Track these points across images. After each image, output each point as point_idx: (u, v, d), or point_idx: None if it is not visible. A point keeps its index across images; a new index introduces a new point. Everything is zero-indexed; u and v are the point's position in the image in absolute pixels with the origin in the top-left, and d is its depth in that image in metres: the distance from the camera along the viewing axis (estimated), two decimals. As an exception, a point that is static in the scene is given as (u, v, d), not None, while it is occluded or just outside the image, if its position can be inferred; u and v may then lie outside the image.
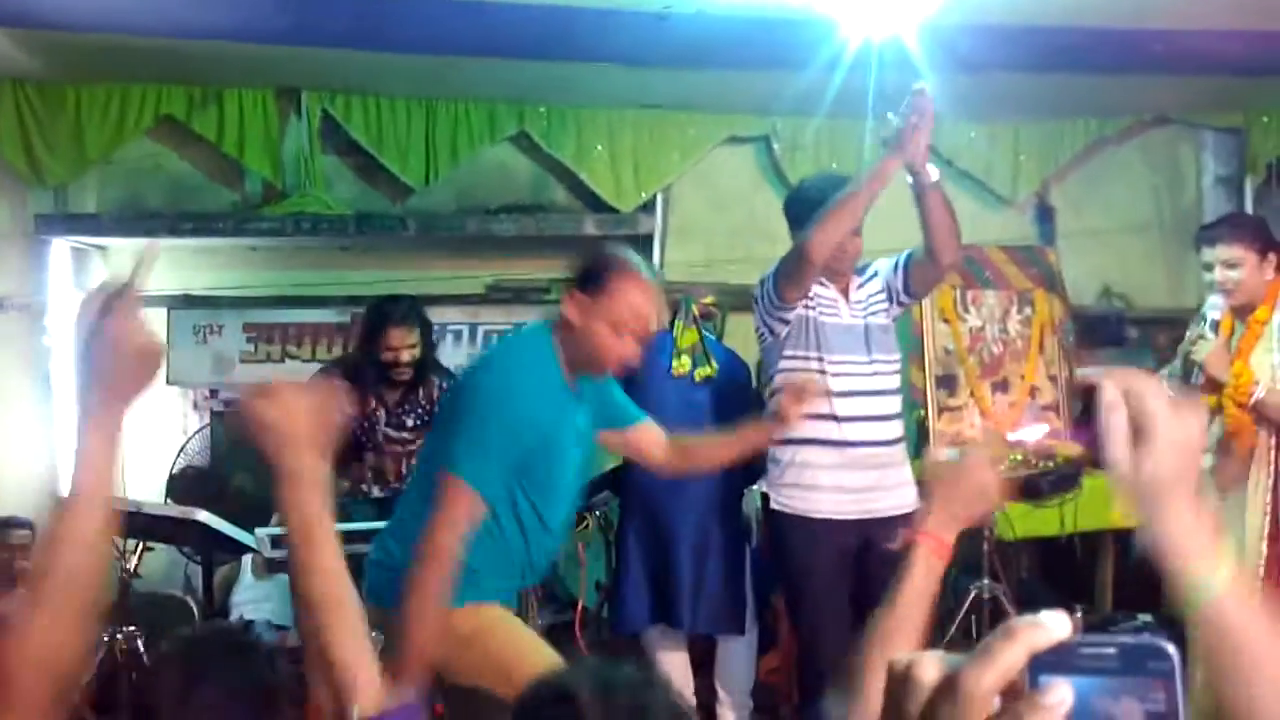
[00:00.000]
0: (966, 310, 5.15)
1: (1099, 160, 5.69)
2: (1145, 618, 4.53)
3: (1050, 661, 0.44)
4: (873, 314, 3.20)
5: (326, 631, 1.27)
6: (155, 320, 5.16)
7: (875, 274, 3.25)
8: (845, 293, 3.19)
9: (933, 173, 2.95)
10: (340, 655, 1.25)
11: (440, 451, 2.37)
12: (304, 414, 1.32)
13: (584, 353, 2.39)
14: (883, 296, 3.23)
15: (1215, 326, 3.25)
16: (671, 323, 3.90)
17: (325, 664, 1.25)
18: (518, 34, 4.04)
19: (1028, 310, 5.26)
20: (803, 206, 3.12)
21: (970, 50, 3.79)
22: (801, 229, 3.04)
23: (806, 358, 3.14)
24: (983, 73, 4.20)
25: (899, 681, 0.46)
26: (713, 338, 4.03)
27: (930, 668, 0.45)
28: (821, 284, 3.14)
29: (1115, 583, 4.96)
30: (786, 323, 3.15)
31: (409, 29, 4.02)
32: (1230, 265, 3.17)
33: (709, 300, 4.21)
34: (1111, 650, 0.44)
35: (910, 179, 2.96)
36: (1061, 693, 0.43)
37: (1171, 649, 0.45)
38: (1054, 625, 0.44)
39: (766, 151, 5.40)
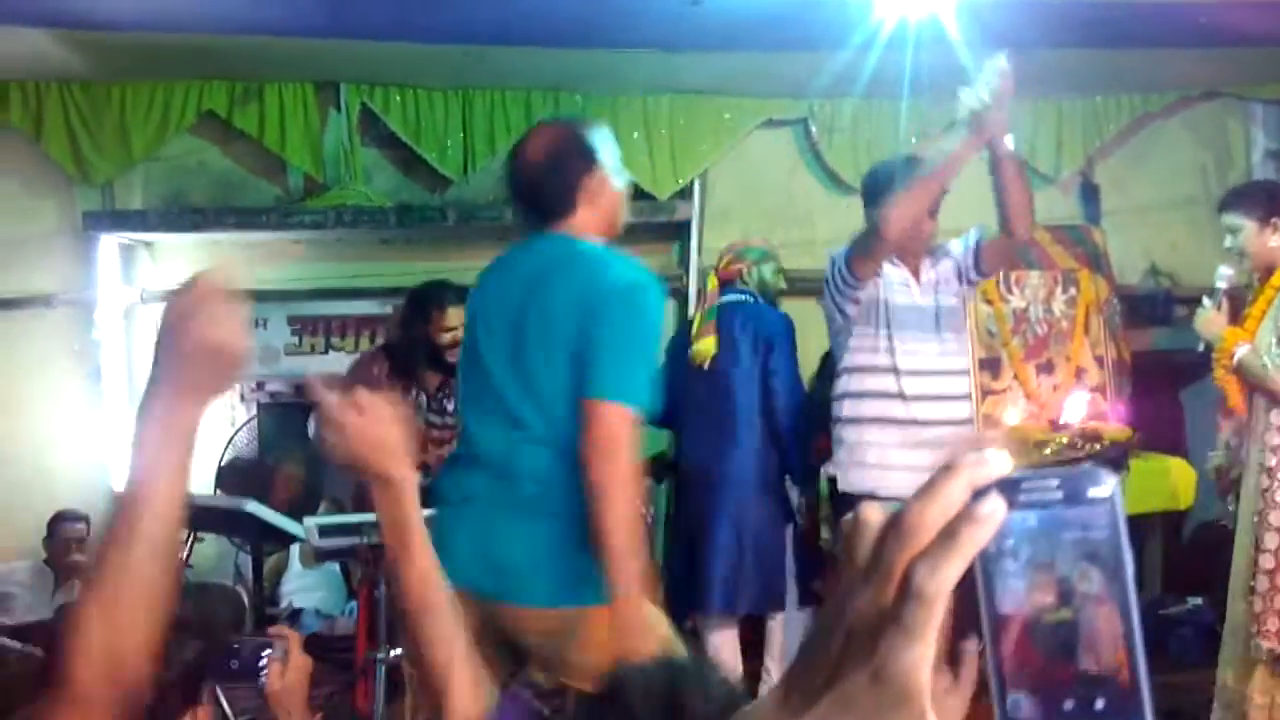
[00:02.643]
0: (1010, 291, 5.09)
1: (1144, 136, 5.59)
2: (1196, 600, 4.47)
3: (989, 495, 0.44)
4: (942, 294, 3.19)
5: (421, 633, 1.28)
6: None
7: (948, 254, 3.24)
8: (916, 273, 3.18)
9: (1009, 142, 2.92)
10: (435, 657, 1.26)
11: (593, 379, 2.04)
12: (393, 423, 1.32)
13: None
14: (953, 276, 3.22)
15: (1217, 294, 3.30)
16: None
17: (421, 666, 1.27)
18: (552, 22, 4.05)
19: (1072, 290, 5.19)
20: (879, 185, 3.10)
21: (1008, 27, 3.73)
22: (875, 207, 3.02)
23: (876, 336, 3.14)
24: (1022, 50, 4.13)
25: (850, 528, 0.47)
26: (741, 296, 3.92)
27: (875, 509, 0.47)
28: (892, 263, 3.14)
29: (1164, 565, 4.89)
30: (857, 302, 3.14)
31: (445, 20, 4.04)
32: (1231, 232, 3.22)
33: (725, 261, 4.00)
34: (1053, 483, 0.44)
35: (985, 150, 2.94)
36: (994, 504, 0.44)
37: (1110, 475, 0.45)
38: (995, 460, 0.45)
39: (804, 134, 5.36)
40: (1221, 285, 3.29)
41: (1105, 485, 0.44)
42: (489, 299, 2.29)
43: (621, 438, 2.02)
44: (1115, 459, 4.29)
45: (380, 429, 1.31)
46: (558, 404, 2.11)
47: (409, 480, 1.32)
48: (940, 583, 0.43)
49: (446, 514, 2.19)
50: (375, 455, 1.31)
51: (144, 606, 1.08)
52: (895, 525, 0.45)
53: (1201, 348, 3.33)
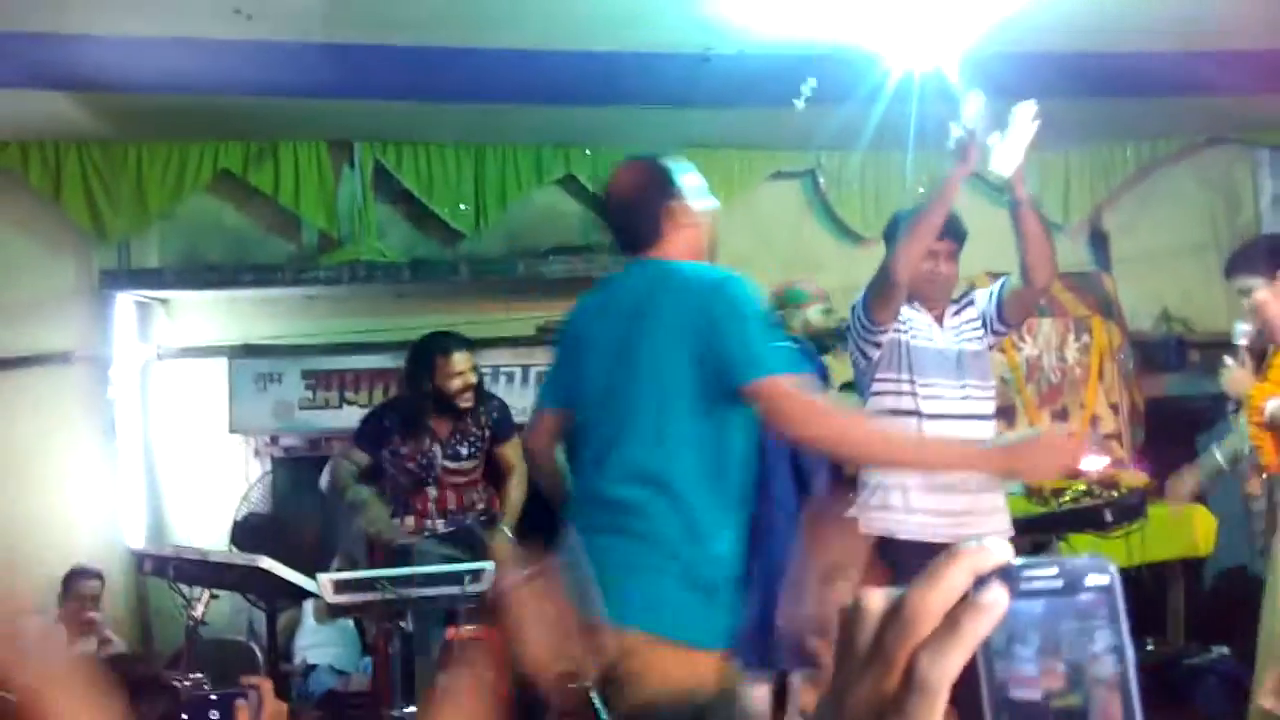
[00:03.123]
0: (1023, 339, 5.09)
1: (1152, 183, 5.62)
2: (1221, 649, 4.40)
3: (991, 584, 0.45)
4: (966, 340, 3.20)
5: None
6: (217, 371, 5.25)
7: (972, 302, 3.25)
8: (940, 319, 3.19)
9: (1027, 189, 2.95)
10: None
11: (722, 373, 2.05)
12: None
13: None
14: (978, 323, 3.23)
15: (1239, 352, 3.30)
16: None
17: None
18: (563, 80, 4.11)
19: (1085, 337, 5.19)
20: (894, 231, 3.13)
21: (1013, 79, 3.77)
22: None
23: (898, 379, 3.13)
24: (1026, 101, 4.18)
25: (849, 616, 0.47)
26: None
27: (878, 597, 0.46)
28: (915, 309, 3.15)
29: (1187, 613, 4.83)
30: (878, 346, 3.14)
31: (456, 79, 4.11)
32: (1243, 293, 3.23)
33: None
34: (1053, 571, 0.45)
35: (1008, 197, 2.97)
36: (997, 594, 0.44)
37: (1110, 564, 0.46)
38: (996, 548, 0.45)
39: (812, 185, 5.41)
40: (1242, 342, 3.29)
41: (1105, 574, 0.45)
42: (591, 327, 2.32)
43: (800, 400, 2.03)
44: (1133, 506, 4.25)
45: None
46: (672, 424, 2.12)
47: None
48: (944, 673, 0.43)
49: (579, 549, 2.22)
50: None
51: None
52: (896, 613, 0.44)
53: (1232, 408, 3.33)
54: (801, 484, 3.75)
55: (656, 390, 2.13)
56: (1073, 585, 0.44)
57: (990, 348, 3.27)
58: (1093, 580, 0.45)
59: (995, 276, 3.33)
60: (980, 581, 0.44)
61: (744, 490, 2.17)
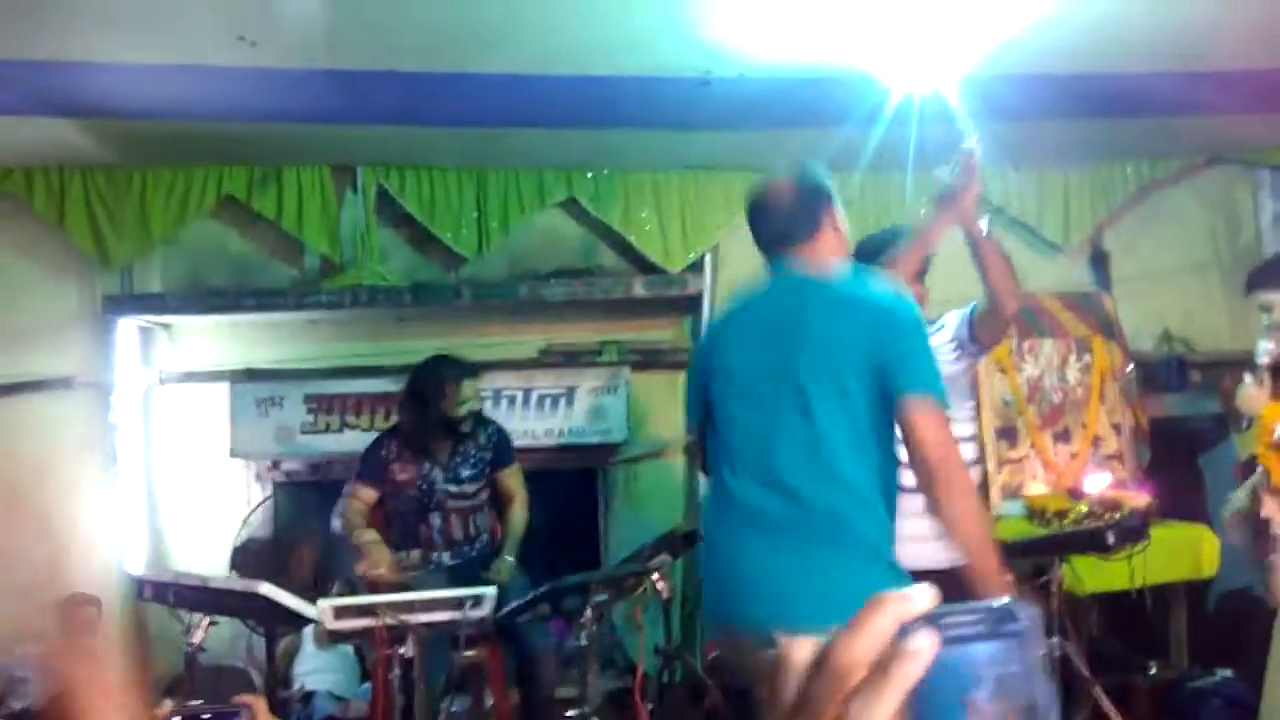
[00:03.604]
0: (1024, 360, 5.09)
1: (1152, 203, 5.63)
2: (1225, 672, 4.38)
3: (914, 631, 0.45)
4: (942, 363, 3.20)
5: None
6: (219, 396, 5.25)
7: (943, 326, 3.25)
8: None
9: (983, 225, 2.95)
10: None
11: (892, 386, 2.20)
12: None
13: None
14: (952, 347, 3.23)
15: (1258, 370, 3.27)
16: None
17: None
18: (564, 105, 4.13)
19: (1087, 358, 5.18)
20: (864, 258, 3.13)
21: (1013, 101, 3.80)
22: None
23: None
24: (1026, 122, 4.20)
25: (775, 668, 0.47)
26: None
27: (803, 647, 0.46)
28: None
29: (1190, 636, 4.80)
30: None
31: (458, 104, 4.13)
32: (1265, 309, 3.21)
33: None
34: (972, 618, 0.46)
35: (963, 233, 2.96)
36: (925, 639, 0.44)
37: (1024, 611, 0.46)
38: (918, 596, 0.46)
39: (813, 208, 5.41)
40: (1264, 360, 3.26)
41: (1022, 620, 0.46)
42: (745, 340, 2.38)
43: (944, 426, 2.21)
44: (1135, 527, 4.23)
45: None
46: (847, 427, 2.23)
47: None
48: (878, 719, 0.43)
49: (721, 556, 2.27)
50: None
51: None
52: (823, 663, 0.45)
53: (1245, 425, 3.32)
54: None
55: (835, 401, 2.23)
56: (993, 631, 0.45)
57: (964, 370, 3.26)
58: (1010, 627, 0.45)
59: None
60: (904, 628, 0.45)
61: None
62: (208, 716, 1.48)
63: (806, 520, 2.20)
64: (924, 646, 0.44)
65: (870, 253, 3.13)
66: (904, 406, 2.20)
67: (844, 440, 2.23)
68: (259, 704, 1.46)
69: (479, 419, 4.11)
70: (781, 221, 2.45)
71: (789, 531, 2.20)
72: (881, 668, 0.44)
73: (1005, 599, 0.46)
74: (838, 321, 2.28)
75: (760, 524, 2.23)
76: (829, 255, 2.43)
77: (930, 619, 0.45)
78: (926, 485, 2.19)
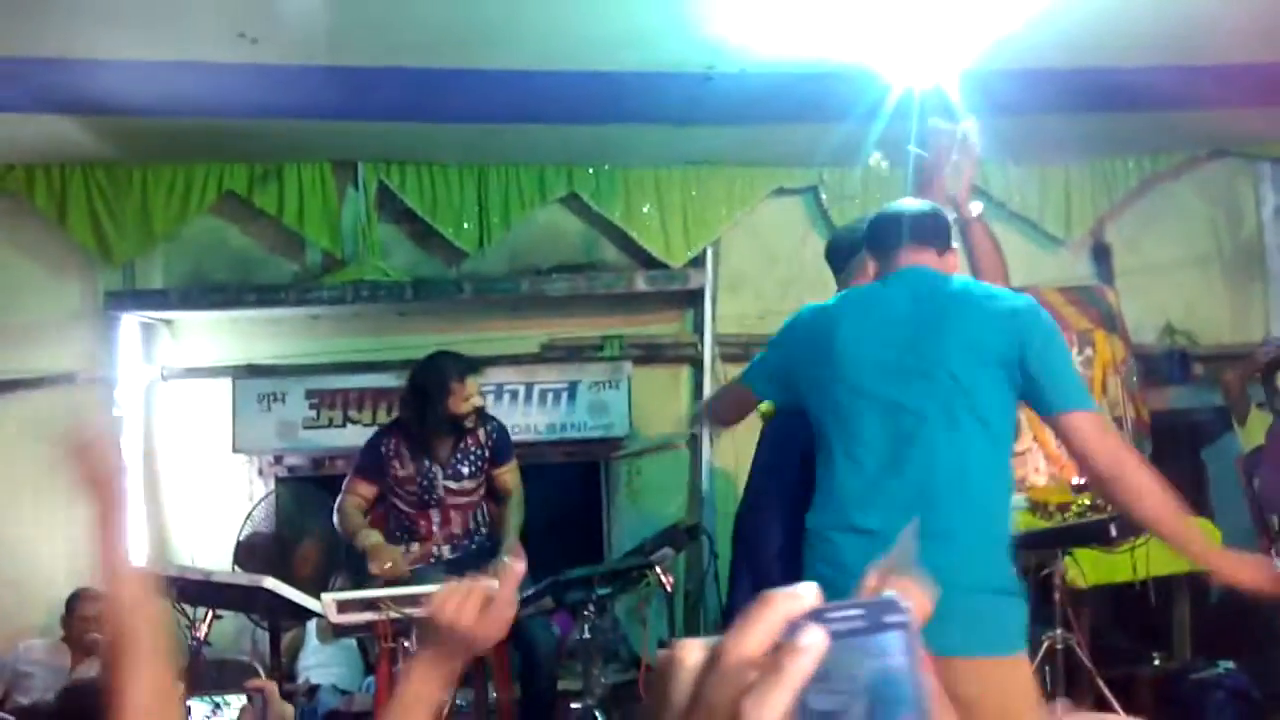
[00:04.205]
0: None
1: (1154, 196, 5.62)
2: (1227, 664, 4.38)
3: (801, 627, 0.46)
4: None
5: None
6: (221, 391, 5.27)
7: None
8: None
9: (975, 207, 2.94)
10: None
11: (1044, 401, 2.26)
12: (483, 621, 1.34)
13: None
14: None
15: None
16: None
17: None
18: (565, 100, 4.13)
19: (1088, 351, 5.18)
20: (840, 253, 3.13)
21: (1014, 96, 3.80)
22: (842, 274, 3.06)
23: None
24: (1027, 116, 4.19)
25: (664, 670, 0.47)
26: None
27: (693, 649, 0.47)
28: None
29: (1193, 628, 4.81)
30: None
31: (459, 100, 4.13)
32: None
33: None
34: (856, 611, 0.47)
35: (953, 214, 2.96)
36: (815, 635, 0.45)
37: (905, 602, 0.48)
38: (804, 593, 0.47)
39: (814, 202, 5.42)
40: None
41: (899, 614, 0.47)
42: (864, 335, 2.37)
43: (1108, 432, 2.28)
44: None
45: (471, 625, 1.33)
46: (985, 424, 2.26)
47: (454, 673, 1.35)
48: (772, 716, 0.44)
49: (841, 576, 2.26)
50: (456, 649, 1.34)
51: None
52: (713, 663, 0.45)
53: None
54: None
55: (964, 408, 2.25)
56: (874, 625, 0.47)
57: None
58: (891, 619, 0.47)
59: None
60: (792, 625, 0.46)
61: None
62: (230, 696, 1.50)
63: (946, 528, 2.14)
64: (814, 642, 0.45)
65: (844, 247, 3.12)
66: (1068, 422, 2.24)
67: (984, 444, 2.27)
68: (270, 687, 1.48)
69: (481, 416, 4.11)
70: (922, 225, 2.46)
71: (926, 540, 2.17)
72: (775, 664, 0.44)
73: (887, 593, 0.48)
74: (987, 326, 2.30)
75: (885, 521, 2.19)
76: (953, 267, 2.50)
77: (815, 614, 0.46)
78: (1110, 493, 2.25)
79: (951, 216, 2.95)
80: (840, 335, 2.39)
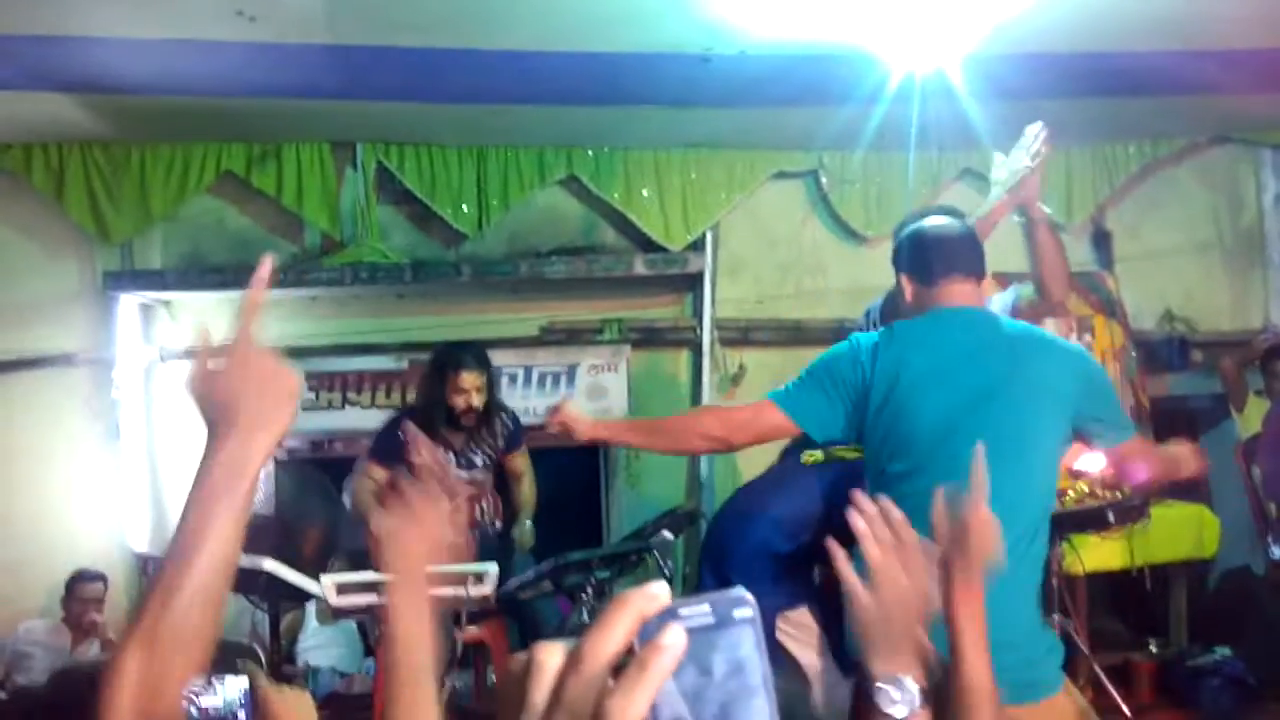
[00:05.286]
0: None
1: (1155, 182, 5.61)
2: (1224, 650, 4.40)
3: (657, 626, 0.48)
4: None
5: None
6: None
7: None
8: None
9: (1043, 208, 2.94)
10: None
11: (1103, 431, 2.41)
12: (414, 545, 1.30)
13: None
14: None
15: None
16: None
17: None
18: (564, 81, 4.11)
19: (1088, 337, 5.18)
20: (916, 249, 3.06)
21: (1015, 80, 3.78)
22: (909, 270, 2.93)
23: None
24: (1028, 101, 4.18)
25: (521, 674, 0.48)
26: None
27: (552, 651, 0.48)
28: None
29: (1190, 614, 4.82)
30: None
31: (458, 80, 4.11)
32: None
33: None
34: (705, 607, 0.49)
35: (1019, 216, 2.94)
36: (675, 634, 0.47)
37: (748, 595, 0.50)
38: (657, 591, 0.48)
39: (814, 186, 5.40)
40: None
41: (747, 607, 0.49)
42: (943, 375, 2.34)
43: (1144, 447, 2.54)
44: (1136, 507, 4.24)
45: (414, 551, 1.29)
46: (1046, 466, 2.35)
47: (406, 620, 1.28)
48: (636, 713, 0.45)
49: None
50: (398, 577, 1.28)
51: (187, 652, 1.06)
52: (574, 664, 0.46)
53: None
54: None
55: (1036, 447, 2.31)
56: (722, 620, 0.49)
57: None
58: (740, 613, 0.49)
59: (1000, 278, 3.31)
60: (646, 625, 0.47)
61: None
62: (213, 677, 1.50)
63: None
64: (675, 640, 0.46)
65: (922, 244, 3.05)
66: (1122, 449, 2.44)
67: (1042, 492, 2.36)
68: (257, 674, 1.47)
69: (493, 405, 4.13)
70: (967, 254, 2.45)
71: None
72: (636, 664, 0.46)
73: (736, 589, 0.50)
74: (1049, 371, 2.35)
75: None
76: (985, 294, 2.53)
77: (668, 613, 0.48)
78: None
79: (1018, 219, 2.94)
80: (908, 374, 2.33)
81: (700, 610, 0.49)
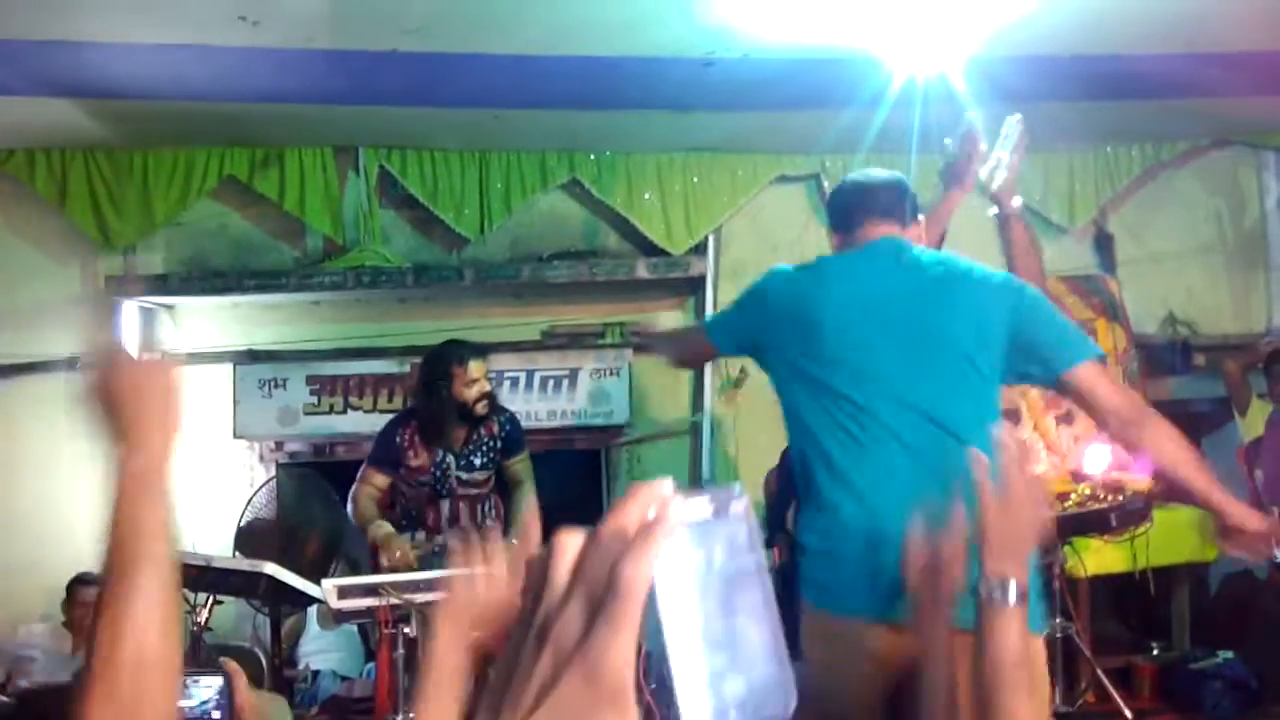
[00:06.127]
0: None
1: (1157, 185, 5.61)
2: (1226, 654, 4.39)
3: (666, 503, 0.52)
4: None
5: None
6: (222, 377, 5.25)
7: None
8: None
9: (1016, 202, 2.92)
10: None
11: (1050, 358, 2.21)
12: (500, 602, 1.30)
13: None
14: None
15: None
16: None
17: None
18: (567, 85, 4.11)
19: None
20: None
21: (1016, 83, 3.77)
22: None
23: None
24: (1030, 104, 4.17)
25: (545, 557, 0.53)
26: None
27: (573, 536, 0.53)
28: None
29: (1192, 618, 4.81)
30: None
31: (460, 85, 4.11)
32: None
33: None
34: (705, 500, 0.53)
35: (993, 209, 2.93)
36: (678, 506, 0.51)
37: (743, 491, 0.54)
38: (664, 483, 0.53)
39: (816, 189, 5.41)
40: None
41: (741, 502, 0.54)
42: (854, 306, 2.30)
43: (1115, 381, 2.24)
44: (1138, 510, 4.24)
45: (492, 609, 1.29)
46: (991, 392, 2.23)
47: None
48: (641, 573, 0.50)
49: (847, 544, 2.17)
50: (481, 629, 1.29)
51: (156, 669, 1.07)
52: (591, 543, 0.52)
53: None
54: None
55: (968, 380, 2.21)
56: (721, 512, 0.53)
57: None
58: (735, 507, 0.54)
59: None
60: (656, 507, 0.52)
61: None
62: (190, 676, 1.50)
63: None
64: (678, 511, 0.51)
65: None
66: (1077, 377, 2.20)
67: (977, 407, 2.21)
68: (235, 669, 1.46)
69: (493, 406, 4.11)
70: (886, 196, 2.41)
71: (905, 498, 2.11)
72: (644, 533, 0.51)
73: (732, 485, 0.54)
74: (984, 300, 2.25)
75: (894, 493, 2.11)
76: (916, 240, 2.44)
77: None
78: (1134, 439, 2.20)
79: (992, 212, 2.93)
80: (827, 309, 2.31)
81: (699, 502, 0.52)
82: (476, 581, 1.30)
